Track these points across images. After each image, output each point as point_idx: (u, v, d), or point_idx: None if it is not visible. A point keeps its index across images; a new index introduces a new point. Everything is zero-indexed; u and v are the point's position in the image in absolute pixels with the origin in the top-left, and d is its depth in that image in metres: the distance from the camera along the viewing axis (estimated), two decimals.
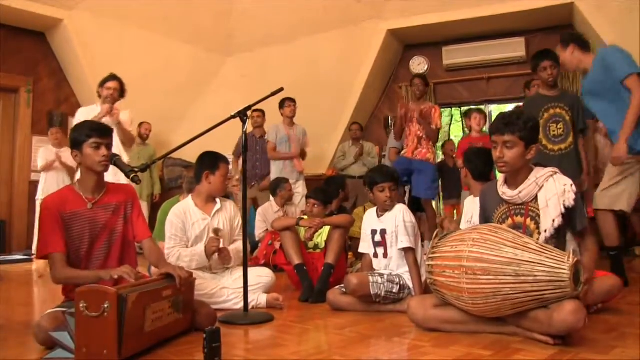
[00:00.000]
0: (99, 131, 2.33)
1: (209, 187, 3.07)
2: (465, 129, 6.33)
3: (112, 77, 4.49)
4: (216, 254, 2.99)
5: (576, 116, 3.81)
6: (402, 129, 5.05)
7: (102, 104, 4.37)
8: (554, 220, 2.26)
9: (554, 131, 3.75)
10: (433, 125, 4.98)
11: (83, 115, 4.38)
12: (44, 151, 6.24)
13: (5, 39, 6.47)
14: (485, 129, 5.53)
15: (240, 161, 5.86)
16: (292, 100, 5.77)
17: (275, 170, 5.78)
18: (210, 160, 3.07)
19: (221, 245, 2.99)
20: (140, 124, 6.87)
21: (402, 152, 5.12)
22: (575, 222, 2.32)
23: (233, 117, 2.75)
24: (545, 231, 2.27)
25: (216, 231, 2.98)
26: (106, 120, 4.28)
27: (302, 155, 5.97)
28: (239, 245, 3.02)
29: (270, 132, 5.84)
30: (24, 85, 6.72)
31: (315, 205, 3.75)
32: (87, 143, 2.31)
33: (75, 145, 2.33)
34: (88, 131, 2.32)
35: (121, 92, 4.47)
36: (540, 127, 2.52)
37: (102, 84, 4.44)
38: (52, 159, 6.12)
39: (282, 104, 5.78)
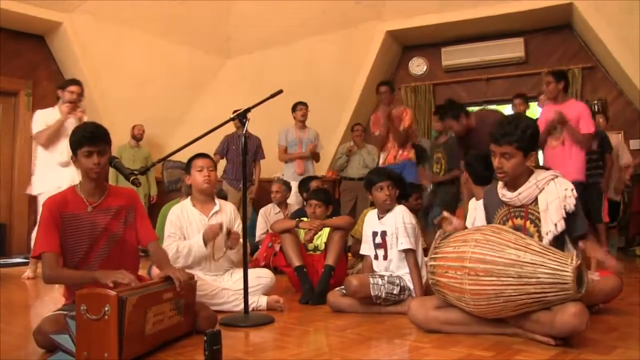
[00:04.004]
0: (90, 139, 2.30)
1: (194, 187, 3.11)
2: None
3: (75, 81, 4.60)
4: (219, 238, 2.96)
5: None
6: (386, 142, 5.22)
7: (64, 106, 4.44)
8: (556, 225, 2.24)
9: None
10: (401, 127, 5.15)
11: (42, 117, 4.47)
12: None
13: (5, 43, 6.47)
14: None
15: (223, 160, 6.01)
16: (304, 104, 5.87)
17: (287, 172, 5.87)
18: (186, 165, 3.15)
19: (221, 237, 2.98)
20: (133, 127, 6.82)
21: (382, 163, 5.22)
22: (575, 227, 2.30)
23: (233, 119, 2.76)
24: (547, 234, 2.26)
25: (227, 231, 2.97)
26: (71, 122, 4.40)
27: (315, 157, 6.02)
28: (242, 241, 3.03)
29: (281, 135, 5.92)
30: (24, 88, 6.71)
31: (317, 206, 3.75)
32: (80, 151, 2.30)
33: (73, 150, 2.34)
34: (80, 139, 2.30)
35: (82, 95, 4.58)
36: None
37: (64, 86, 4.53)
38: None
39: (294, 108, 5.88)
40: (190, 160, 3.13)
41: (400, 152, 5.13)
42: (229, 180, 6.00)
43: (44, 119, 4.45)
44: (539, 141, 2.38)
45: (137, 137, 6.86)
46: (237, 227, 3.14)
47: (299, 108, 5.85)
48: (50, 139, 4.40)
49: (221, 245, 3.00)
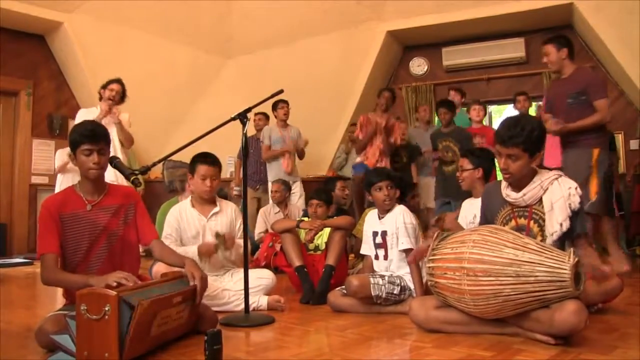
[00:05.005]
0: (90, 137, 2.27)
1: (195, 190, 3.10)
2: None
3: (116, 80, 4.68)
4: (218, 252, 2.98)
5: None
6: (367, 143, 5.30)
7: (102, 103, 4.56)
8: (561, 224, 2.24)
9: None
10: (392, 139, 5.32)
11: (83, 116, 4.51)
12: (60, 153, 5.97)
13: (6, 42, 6.48)
14: (485, 122, 5.58)
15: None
16: (285, 102, 5.83)
17: (271, 172, 5.82)
18: (191, 164, 3.09)
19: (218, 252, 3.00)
20: None
21: (361, 160, 5.22)
22: (575, 226, 2.30)
23: (233, 119, 2.75)
24: (552, 234, 2.26)
25: (217, 236, 2.98)
26: (106, 120, 4.50)
27: (301, 155, 6.00)
28: (239, 241, 3.04)
29: (264, 134, 5.89)
30: (24, 88, 6.73)
31: (319, 206, 3.75)
32: (79, 149, 2.28)
33: (71, 148, 2.32)
34: (79, 137, 2.27)
35: (122, 95, 4.68)
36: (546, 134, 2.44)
37: (105, 85, 4.64)
38: (66, 160, 5.75)
39: (274, 106, 5.83)
40: (196, 163, 3.06)
41: (379, 161, 5.16)
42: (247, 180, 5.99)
43: (84, 117, 4.47)
44: (545, 143, 2.37)
45: None
46: (238, 226, 3.15)
47: (281, 106, 5.81)
48: None
49: (216, 259, 3.04)
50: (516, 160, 2.29)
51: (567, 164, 3.77)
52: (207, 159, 3.08)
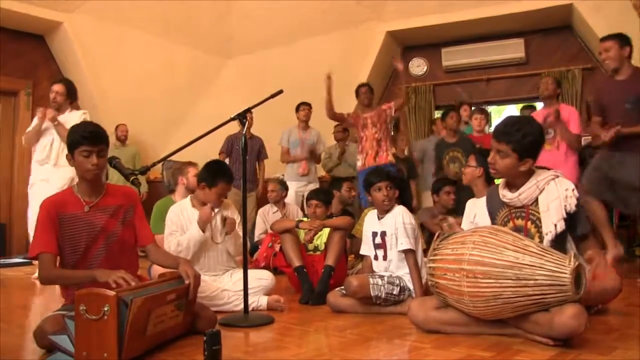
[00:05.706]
0: (90, 139, 2.26)
1: (202, 196, 3.09)
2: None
3: (59, 80, 4.64)
4: (217, 223, 2.98)
5: None
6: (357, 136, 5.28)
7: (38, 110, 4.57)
8: (555, 225, 2.24)
9: None
10: (392, 112, 5.33)
11: (34, 119, 4.62)
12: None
13: (5, 42, 6.47)
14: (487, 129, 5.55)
15: (227, 160, 5.90)
16: (307, 105, 5.89)
17: (288, 173, 5.88)
18: (211, 175, 3.03)
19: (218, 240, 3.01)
20: (117, 127, 6.64)
21: (360, 165, 5.12)
22: (576, 227, 2.29)
23: (233, 119, 2.76)
24: (547, 234, 2.25)
25: (225, 220, 3.00)
26: (47, 124, 4.50)
27: (316, 157, 6.01)
28: (239, 232, 3.05)
29: (283, 136, 5.93)
30: (24, 88, 6.72)
31: (317, 206, 3.76)
32: (78, 150, 2.27)
33: (69, 149, 2.31)
34: (79, 138, 2.26)
35: (69, 95, 4.54)
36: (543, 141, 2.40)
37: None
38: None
39: (297, 108, 5.91)
40: (219, 179, 3.01)
41: (380, 154, 5.08)
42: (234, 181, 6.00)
43: (35, 120, 4.58)
44: (539, 151, 2.35)
45: (120, 138, 6.71)
46: (237, 220, 3.15)
47: (302, 108, 5.89)
48: (27, 140, 4.59)
49: (219, 228, 3.03)
50: (504, 158, 2.30)
51: (627, 167, 3.62)
52: (229, 177, 3.07)
